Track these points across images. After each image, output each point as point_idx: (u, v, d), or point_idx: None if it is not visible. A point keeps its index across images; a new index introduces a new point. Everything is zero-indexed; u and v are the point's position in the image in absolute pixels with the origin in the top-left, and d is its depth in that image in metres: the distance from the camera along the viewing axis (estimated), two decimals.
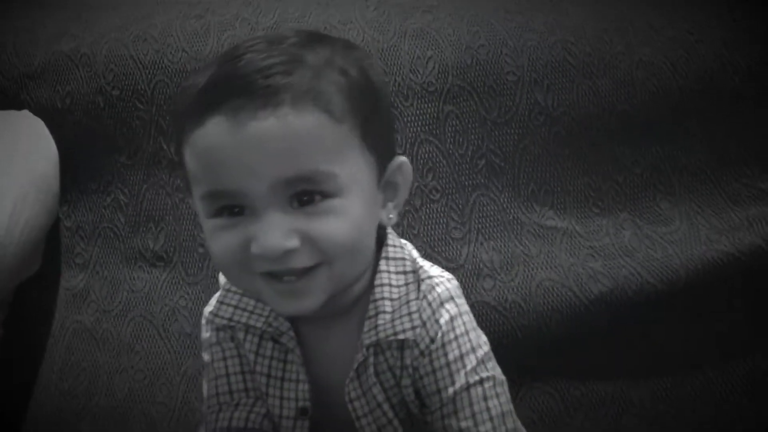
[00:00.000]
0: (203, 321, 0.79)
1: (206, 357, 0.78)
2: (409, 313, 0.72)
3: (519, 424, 0.75)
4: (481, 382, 0.72)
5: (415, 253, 0.78)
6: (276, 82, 0.62)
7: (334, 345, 0.75)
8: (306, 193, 0.64)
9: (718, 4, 1.14)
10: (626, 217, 1.07)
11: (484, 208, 1.04)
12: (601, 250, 1.04)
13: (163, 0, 1.16)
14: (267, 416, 0.75)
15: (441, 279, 0.75)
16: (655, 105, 1.07)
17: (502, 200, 1.04)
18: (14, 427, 1.07)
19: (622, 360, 1.02)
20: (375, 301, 0.73)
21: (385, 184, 0.71)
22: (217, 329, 0.77)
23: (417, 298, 0.73)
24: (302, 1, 1.12)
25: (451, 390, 0.72)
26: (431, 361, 0.72)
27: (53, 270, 1.12)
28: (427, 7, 1.09)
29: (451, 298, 0.73)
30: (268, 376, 0.76)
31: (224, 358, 0.77)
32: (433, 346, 0.72)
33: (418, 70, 1.04)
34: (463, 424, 0.71)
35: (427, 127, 1.03)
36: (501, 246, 1.03)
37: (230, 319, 0.76)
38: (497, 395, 0.72)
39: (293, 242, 0.63)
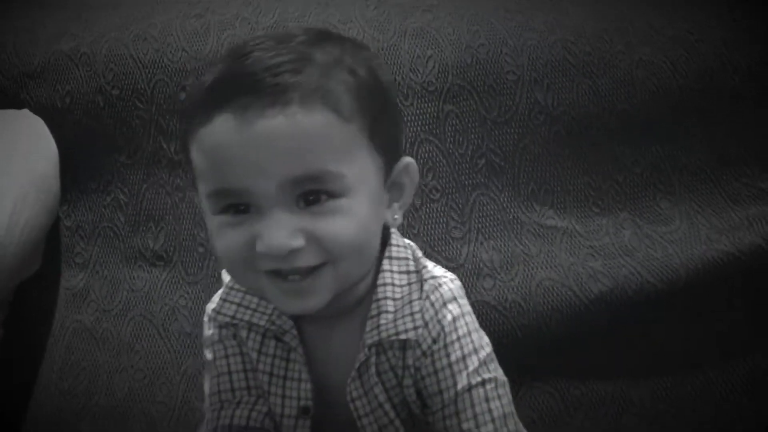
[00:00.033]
0: (206, 318, 0.79)
1: (208, 354, 0.78)
2: (412, 313, 0.72)
3: (521, 426, 0.75)
4: (483, 383, 0.72)
5: (419, 253, 0.77)
6: (284, 80, 0.61)
7: (336, 344, 0.75)
8: (312, 193, 0.63)
9: (718, 4, 1.14)
10: (626, 216, 1.07)
11: (484, 208, 1.04)
12: (601, 249, 1.04)
13: None
14: (269, 415, 0.75)
15: (444, 279, 0.75)
16: (655, 104, 1.07)
17: (502, 200, 1.04)
18: (14, 426, 1.07)
19: (622, 359, 1.02)
20: (378, 300, 0.73)
21: (391, 185, 0.71)
22: (220, 327, 0.77)
23: (420, 298, 0.73)
24: (302, 1, 1.11)
25: (453, 391, 0.72)
26: (433, 362, 0.72)
27: (53, 270, 1.12)
28: (427, 7, 1.09)
29: (454, 298, 0.73)
30: (271, 374, 0.75)
31: (226, 356, 0.76)
32: (435, 347, 0.72)
33: (418, 70, 1.04)
34: (465, 426, 0.71)
35: (427, 127, 1.03)
36: (501, 245, 1.03)
37: (233, 317, 0.76)
38: (499, 397, 0.72)
39: (298, 241, 0.63)
